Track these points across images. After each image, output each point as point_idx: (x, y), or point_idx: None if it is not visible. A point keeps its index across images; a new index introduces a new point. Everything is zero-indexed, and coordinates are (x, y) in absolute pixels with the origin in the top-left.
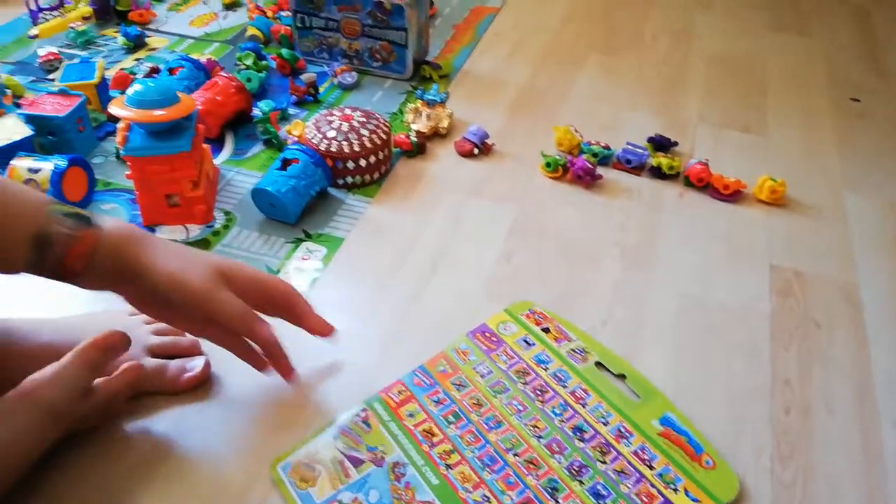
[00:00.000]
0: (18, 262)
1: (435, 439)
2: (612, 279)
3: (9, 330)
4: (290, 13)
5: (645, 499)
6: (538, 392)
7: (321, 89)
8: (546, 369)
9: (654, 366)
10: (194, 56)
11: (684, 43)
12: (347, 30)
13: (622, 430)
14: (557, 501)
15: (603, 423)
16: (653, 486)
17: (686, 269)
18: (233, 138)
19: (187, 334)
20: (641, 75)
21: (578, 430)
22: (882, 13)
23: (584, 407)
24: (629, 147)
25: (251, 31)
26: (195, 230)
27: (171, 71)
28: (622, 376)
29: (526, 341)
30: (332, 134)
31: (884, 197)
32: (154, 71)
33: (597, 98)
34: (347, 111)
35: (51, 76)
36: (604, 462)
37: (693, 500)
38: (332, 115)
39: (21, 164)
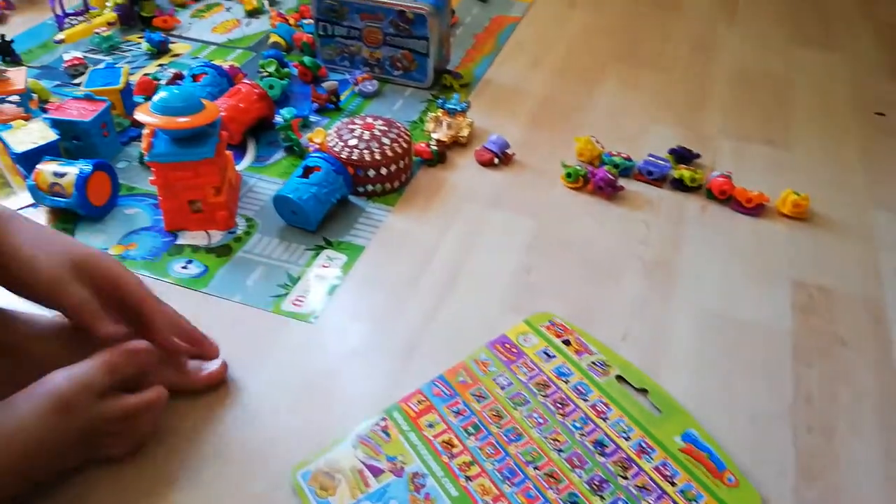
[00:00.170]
0: None
1: (454, 450)
2: (632, 293)
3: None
4: (312, 21)
5: None
6: (559, 405)
7: (342, 97)
8: (567, 382)
9: (674, 381)
10: (216, 62)
11: (706, 56)
12: (369, 38)
13: (644, 445)
14: None
15: (624, 438)
16: (675, 502)
17: (708, 283)
18: (255, 145)
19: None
20: (663, 88)
21: (599, 444)
22: None
23: (605, 421)
24: (651, 158)
25: (273, 38)
26: (217, 236)
27: (195, 77)
28: (644, 390)
29: (546, 353)
30: (353, 142)
31: None
32: (178, 77)
33: (618, 109)
34: (369, 119)
35: (76, 81)
36: (625, 477)
37: None
38: (353, 123)
39: (47, 168)
